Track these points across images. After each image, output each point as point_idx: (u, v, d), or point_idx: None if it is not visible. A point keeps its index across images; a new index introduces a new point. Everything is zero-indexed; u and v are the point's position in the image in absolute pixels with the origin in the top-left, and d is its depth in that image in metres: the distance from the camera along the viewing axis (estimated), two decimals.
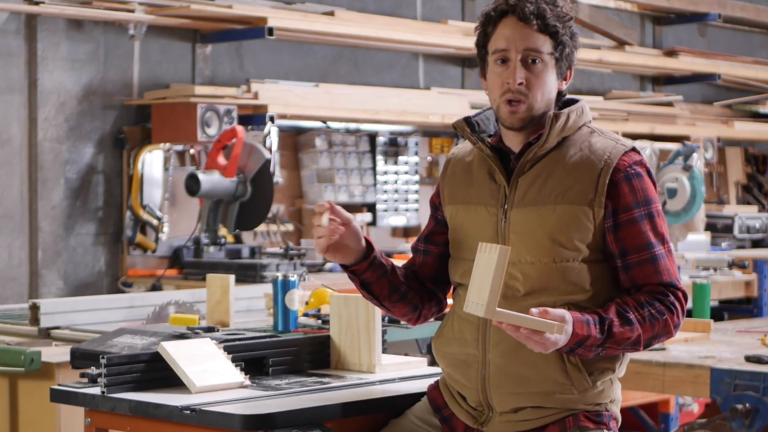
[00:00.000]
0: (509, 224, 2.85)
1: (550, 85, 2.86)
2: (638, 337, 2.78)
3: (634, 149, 2.87)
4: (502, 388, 2.83)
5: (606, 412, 2.87)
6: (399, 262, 3.12)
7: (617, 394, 2.92)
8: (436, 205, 3.06)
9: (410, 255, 3.15)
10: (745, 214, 9.17)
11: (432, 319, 3.13)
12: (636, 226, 2.82)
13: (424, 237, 3.09)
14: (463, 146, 3.04)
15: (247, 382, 3.05)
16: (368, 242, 2.96)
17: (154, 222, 6.62)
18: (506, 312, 2.63)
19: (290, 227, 7.41)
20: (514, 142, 2.91)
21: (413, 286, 3.04)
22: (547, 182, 2.83)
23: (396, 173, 7.87)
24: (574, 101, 2.94)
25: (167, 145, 6.69)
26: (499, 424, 2.86)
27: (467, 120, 2.96)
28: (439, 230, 3.05)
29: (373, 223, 7.77)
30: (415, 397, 3.05)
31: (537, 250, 2.81)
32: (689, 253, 7.59)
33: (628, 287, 2.85)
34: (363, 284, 2.99)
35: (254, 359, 3.20)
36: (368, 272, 2.97)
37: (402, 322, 4.43)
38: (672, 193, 7.89)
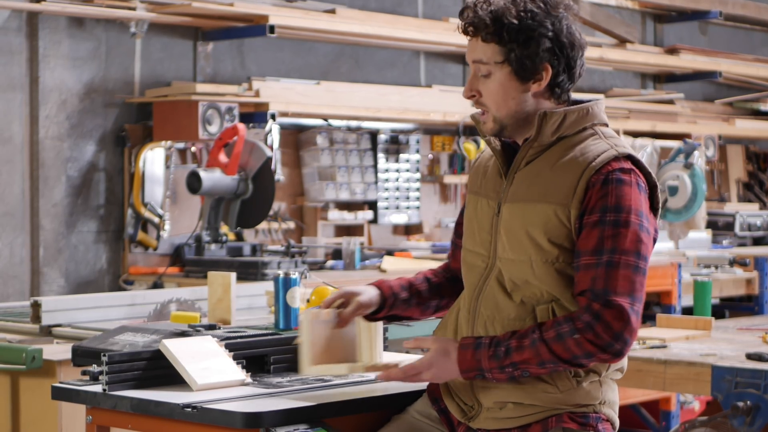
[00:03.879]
0: (501, 219, 2.87)
1: (507, 92, 2.82)
2: (553, 356, 2.70)
3: (629, 158, 2.80)
4: (486, 380, 2.84)
5: (594, 414, 2.82)
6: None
7: (609, 396, 2.86)
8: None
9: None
10: (746, 212, 9.17)
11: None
12: (594, 229, 2.73)
13: (456, 230, 3.15)
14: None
15: (249, 379, 3.05)
16: (379, 291, 3.06)
17: (156, 220, 6.62)
18: (322, 367, 2.89)
19: (291, 225, 7.42)
20: (520, 139, 2.92)
21: (445, 292, 3.13)
22: (536, 180, 2.83)
23: (397, 171, 7.87)
24: (584, 101, 2.91)
25: (168, 142, 6.70)
26: (485, 420, 2.86)
27: None
28: (460, 221, 3.10)
29: (374, 220, 7.77)
30: (416, 395, 3.06)
31: (518, 247, 2.82)
32: (690, 251, 7.60)
33: (575, 292, 2.77)
34: (392, 318, 3.13)
35: (256, 357, 3.20)
36: (391, 312, 3.09)
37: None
38: (673, 190, 7.89)
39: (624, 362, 2.87)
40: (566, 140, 2.85)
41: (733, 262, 7.35)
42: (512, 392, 2.82)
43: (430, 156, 8.20)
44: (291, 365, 3.23)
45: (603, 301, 2.69)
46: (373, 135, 7.80)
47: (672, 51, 9.85)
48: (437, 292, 3.12)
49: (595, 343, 2.69)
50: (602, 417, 2.84)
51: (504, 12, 2.79)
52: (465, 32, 2.84)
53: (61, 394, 3.04)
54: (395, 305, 3.07)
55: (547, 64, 2.82)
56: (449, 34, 7.99)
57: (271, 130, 6.83)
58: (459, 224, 3.11)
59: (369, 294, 3.04)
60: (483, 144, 3.14)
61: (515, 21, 2.78)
